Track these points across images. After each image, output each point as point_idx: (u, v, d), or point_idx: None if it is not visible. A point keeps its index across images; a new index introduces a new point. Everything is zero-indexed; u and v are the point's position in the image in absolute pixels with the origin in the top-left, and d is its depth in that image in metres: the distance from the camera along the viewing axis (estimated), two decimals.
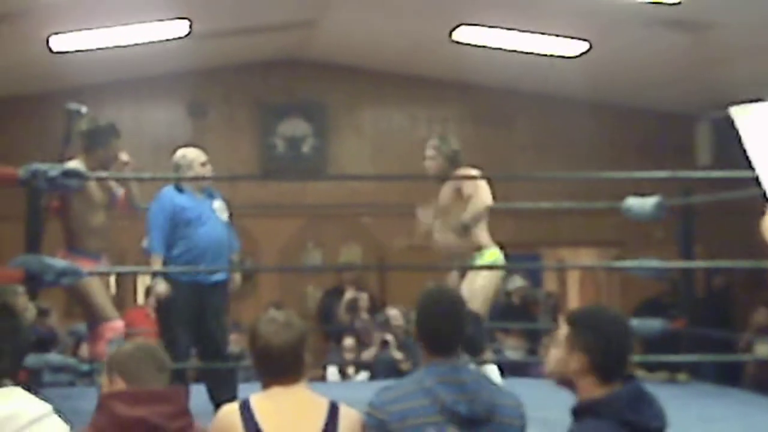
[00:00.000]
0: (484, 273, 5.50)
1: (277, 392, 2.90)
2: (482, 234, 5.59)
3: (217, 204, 5.83)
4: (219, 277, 5.76)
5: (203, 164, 5.83)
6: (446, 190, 5.68)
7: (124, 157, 5.43)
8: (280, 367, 2.91)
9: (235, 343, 8.31)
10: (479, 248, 5.56)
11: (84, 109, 5.41)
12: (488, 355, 5.66)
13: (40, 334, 6.67)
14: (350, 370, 8.55)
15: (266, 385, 2.94)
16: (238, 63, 10.44)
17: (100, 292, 5.26)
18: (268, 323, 2.95)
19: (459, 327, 3.02)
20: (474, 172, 5.64)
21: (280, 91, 10.72)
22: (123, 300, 9.73)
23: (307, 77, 10.72)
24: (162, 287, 5.55)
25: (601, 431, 2.56)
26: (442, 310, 3.01)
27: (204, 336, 5.64)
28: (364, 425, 2.90)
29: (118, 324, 5.22)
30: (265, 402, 2.88)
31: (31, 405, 2.65)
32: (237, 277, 5.98)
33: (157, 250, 5.59)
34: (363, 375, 8.47)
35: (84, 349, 7.43)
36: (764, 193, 2.68)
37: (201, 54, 9.75)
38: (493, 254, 5.58)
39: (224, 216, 5.86)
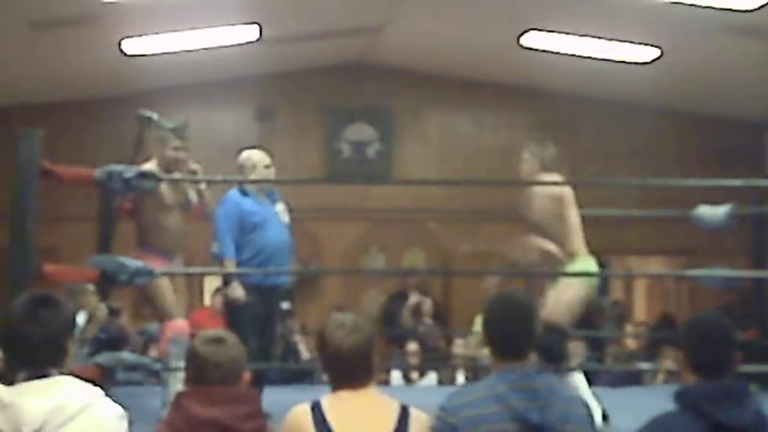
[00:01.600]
0: (576, 284, 5.27)
1: (348, 395, 2.91)
2: (576, 241, 5.38)
3: (280, 207, 5.90)
4: (285, 279, 5.84)
5: (267, 166, 5.88)
6: (539, 197, 5.46)
7: (194, 165, 5.50)
8: (350, 370, 2.92)
9: (302, 345, 8.41)
10: (572, 255, 5.34)
11: (155, 116, 5.50)
12: (569, 364, 5.49)
13: (112, 333, 6.78)
14: (414, 374, 8.54)
15: (336, 389, 2.95)
16: (305, 68, 10.51)
17: (168, 292, 5.31)
18: (337, 328, 2.96)
19: (529, 331, 3.00)
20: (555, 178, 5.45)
21: (346, 96, 10.77)
22: (191, 301, 9.86)
23: (373, 82, 10.76)
24: (239, 292, 5.62)
25: (673, 418, 2.76)
26: (511, 315, 3.00)
27: (270, 338, 5.71)
28: (433, 428, 2.89)
29: (179, 323, 5.27)
30: (336, 404, 2.89)
31: (78, 393, 2.60)
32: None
33: (231, 256, 5.66)
34: (427, 379, 8.47)
35: (154, 349, 7.57)
36: None
37: (269, 59, 9.84)
38: (585, 263, 5.36)
39: (286, 219, 5.92)
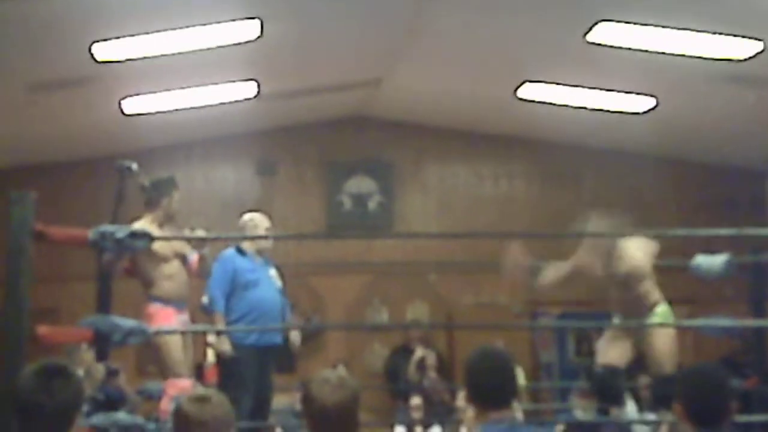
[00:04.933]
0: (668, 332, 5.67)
1: None
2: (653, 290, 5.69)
3: (273, 271, 6.01)
4: (277, 339, 5.89)
5: (267, 230, 6.05)
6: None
7: (200, 232, 5.52)
8: (334, 427, 2.90)
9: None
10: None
11: (135, 166, 5.50)
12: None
13: (109, 394, 6.74)
14: (419, 429, 8.48)
15: None
16: (305, 122, 10.57)
17: (175, 349, 5.27)
18: (322, 384, 2.94)
19: (510, 382, 3.06)
20: None
21: (346, 149, 10.82)
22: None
23: (372, 135, 10.81)
24: (226, 345, 5.66)
25: None
26: (490, 366, 3.06)
27: (262, 398, 5.73)
28: None
29: (184, 383, 5.25)
30: None
31: None
32: (295, 337, 6.11)
33: (220, 309, 5.74)
34: None
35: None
36: None
37: (269, 114, 9.90)
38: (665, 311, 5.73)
39: (278, 283, 6.02)
